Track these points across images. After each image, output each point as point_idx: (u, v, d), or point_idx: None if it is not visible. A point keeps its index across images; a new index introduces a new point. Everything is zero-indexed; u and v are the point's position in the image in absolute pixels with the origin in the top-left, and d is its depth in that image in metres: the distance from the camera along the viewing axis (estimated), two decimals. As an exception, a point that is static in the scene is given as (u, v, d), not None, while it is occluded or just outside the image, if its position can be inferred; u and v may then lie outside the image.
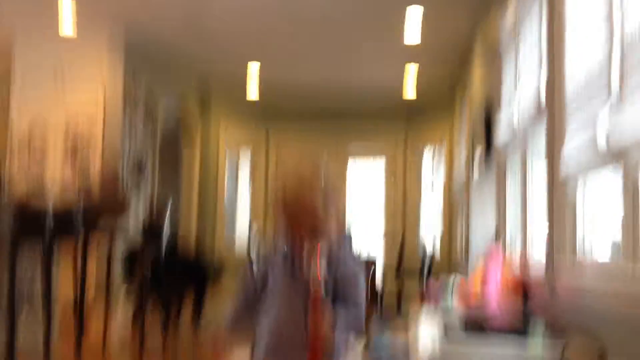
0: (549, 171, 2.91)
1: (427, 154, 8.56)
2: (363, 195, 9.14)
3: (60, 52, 5.90)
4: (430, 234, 8.63)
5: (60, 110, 6.15)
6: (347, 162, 8.87)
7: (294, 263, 1.58)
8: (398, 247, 7.31)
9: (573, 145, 2.53)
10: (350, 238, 1.69)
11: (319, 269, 1.44)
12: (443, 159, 8.25)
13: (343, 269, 1.59)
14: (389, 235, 8.64)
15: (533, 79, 3.35)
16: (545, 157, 2.97)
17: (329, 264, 1.56)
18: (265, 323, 1.58)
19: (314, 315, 1.43)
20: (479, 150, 5.47)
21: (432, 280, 3.59)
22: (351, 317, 1.55)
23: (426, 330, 2.60)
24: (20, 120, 6.01)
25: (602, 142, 2.01)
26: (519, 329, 2.31)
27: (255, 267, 1.67)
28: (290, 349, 1.52)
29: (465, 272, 6.05)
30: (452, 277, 4.07)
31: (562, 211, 2.77)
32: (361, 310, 1.59)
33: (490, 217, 4.74)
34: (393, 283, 6.92)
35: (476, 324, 2.41)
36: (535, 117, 3.25)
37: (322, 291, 1.44)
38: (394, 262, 7.14)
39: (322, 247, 1.53)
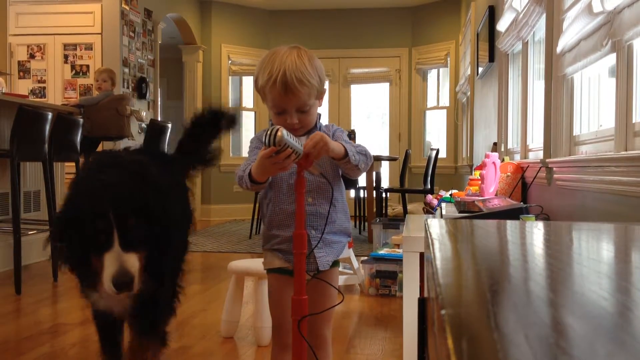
0: (547, 57, 2.90)
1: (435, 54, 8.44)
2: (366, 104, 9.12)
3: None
4: (435, 136, 8.67)
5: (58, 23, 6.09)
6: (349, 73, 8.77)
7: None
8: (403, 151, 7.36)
9: (571, 27, 2.51)
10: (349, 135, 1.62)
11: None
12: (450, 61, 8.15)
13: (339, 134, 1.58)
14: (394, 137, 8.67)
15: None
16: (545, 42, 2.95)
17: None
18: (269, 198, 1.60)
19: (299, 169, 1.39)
20: (482, 47, 5.41)
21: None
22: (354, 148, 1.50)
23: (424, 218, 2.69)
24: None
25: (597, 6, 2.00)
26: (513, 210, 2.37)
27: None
28: (290, 223, 1.52)
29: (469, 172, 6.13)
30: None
31: (560, 98, 2.79)
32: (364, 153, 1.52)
33: (493, 113, 4.75)
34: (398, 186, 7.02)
35: (473, 206, 2.48)
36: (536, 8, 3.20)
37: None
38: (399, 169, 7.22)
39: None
